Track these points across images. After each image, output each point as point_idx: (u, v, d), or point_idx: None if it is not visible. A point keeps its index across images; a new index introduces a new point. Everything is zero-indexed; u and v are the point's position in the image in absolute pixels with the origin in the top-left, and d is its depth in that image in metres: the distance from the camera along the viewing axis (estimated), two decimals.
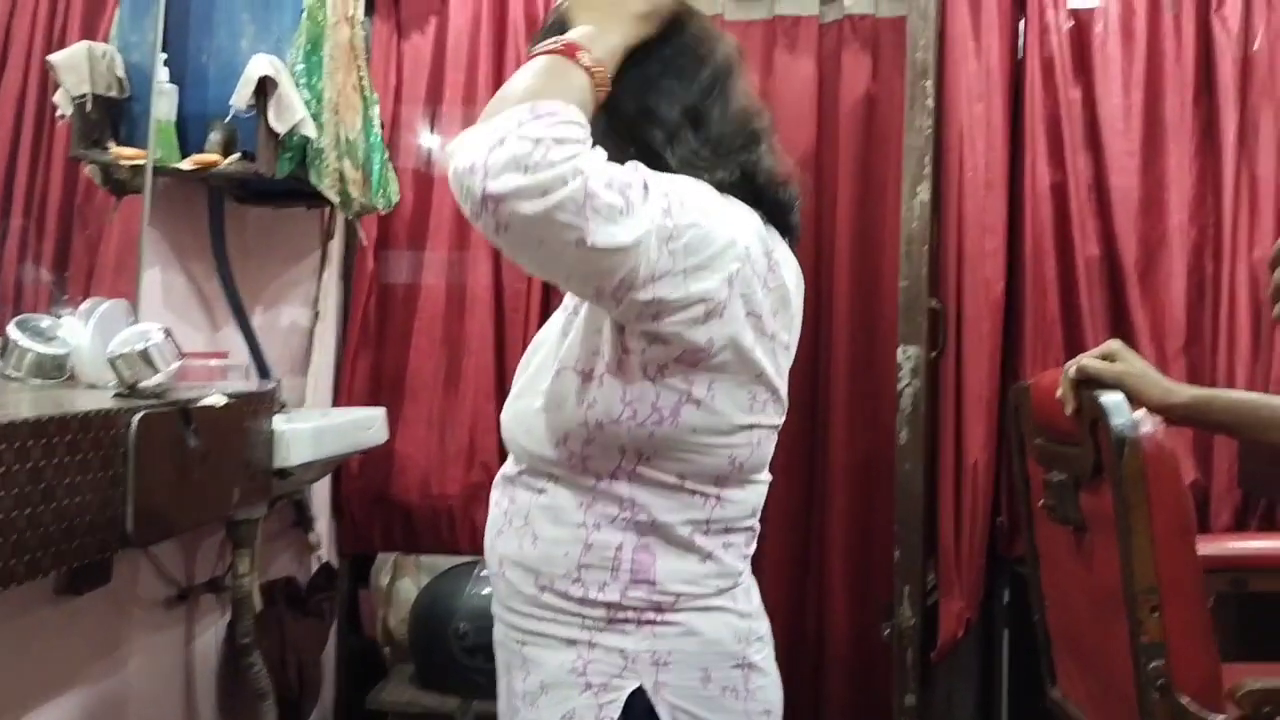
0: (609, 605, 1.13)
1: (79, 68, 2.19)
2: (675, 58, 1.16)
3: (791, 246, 1.22)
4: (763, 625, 1.24)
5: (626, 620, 1.13)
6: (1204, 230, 2.88)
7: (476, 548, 2.99)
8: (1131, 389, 1.53)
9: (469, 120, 3.01)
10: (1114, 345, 1.59)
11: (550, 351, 1.20)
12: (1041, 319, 2.84)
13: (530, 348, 1.28)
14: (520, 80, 1.03)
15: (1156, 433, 1.52)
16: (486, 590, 2.83)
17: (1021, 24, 2.95)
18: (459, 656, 2.80)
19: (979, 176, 2.84)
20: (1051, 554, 1.91)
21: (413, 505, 3.04)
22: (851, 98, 3.11)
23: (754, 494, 1.21)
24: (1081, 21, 2.92)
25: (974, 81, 2.85)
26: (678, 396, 1.09)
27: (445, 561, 3.00)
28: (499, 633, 1.24)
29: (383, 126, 2.88)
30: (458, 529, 3.04)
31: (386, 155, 2.86)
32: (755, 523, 1.23)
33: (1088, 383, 1.57)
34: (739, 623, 1.19)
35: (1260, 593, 1.91)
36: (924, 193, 2.65)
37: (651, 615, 1.13)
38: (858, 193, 3.07)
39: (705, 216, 1.05)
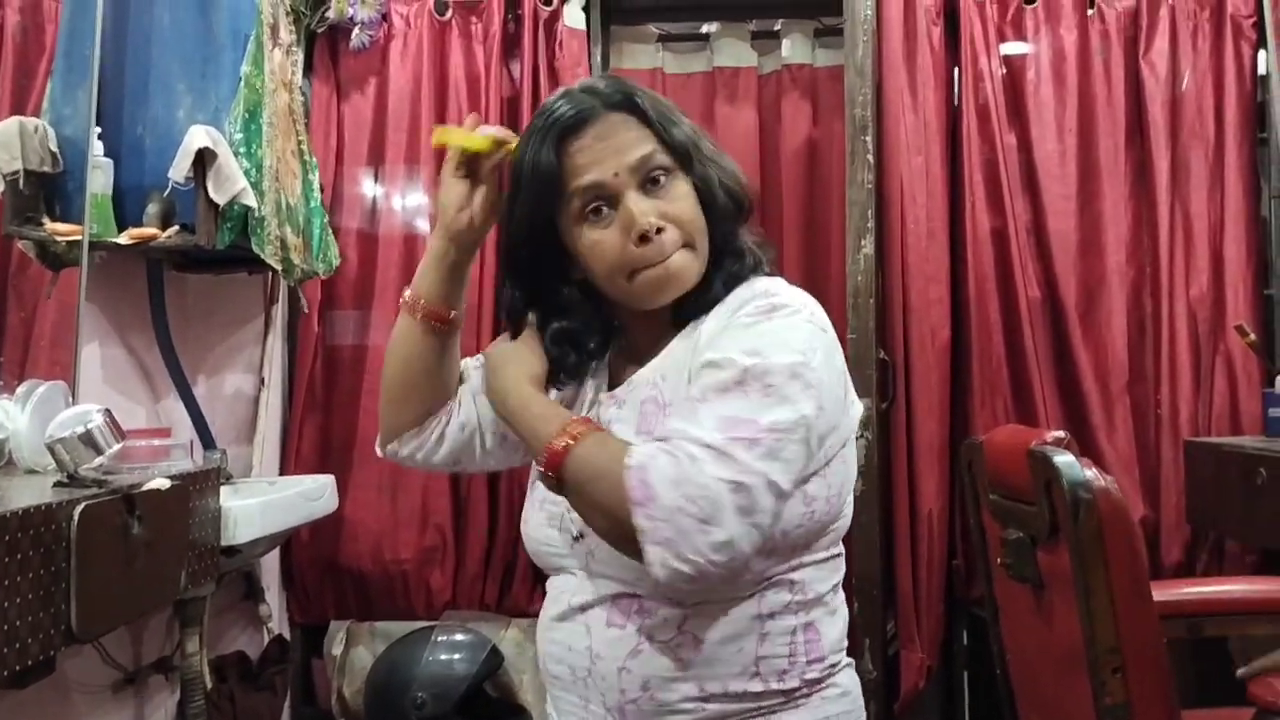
0: (786, 692, 1.10)
1: (10, 144, 2.14)
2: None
3: None
4: None
5: (800, 694, 1.11)
6: (1141, 269, 2.94)
7: (432, 613, 2.96)
8: None
9: (412, 180, 3.05)
10: None
11: None
12: (987, 363, 2.88)
13: None
14: (585, 464, 1.02)
15: (1110, 488, 1.53)
16: (444, 656, 2.79)
17: (956, 71, 3.00)
18: None
19: (921, 227, 2.87)
20: (1011, 609, 1.91)
21: (365, 571, 2.99)
22: (793, 145, 3.15)
23: None
24: (1014, 68, 2.98)
25: (912, 134, 2.89)
26: (841, 479, 1.12)
27: (400, 628, 2.94)
28: None
29: (323, 190, 2.86)
30: (412, 594, 2.99)
31: (326, 219, 2.84)
32: None
33: (1042, 445, 1.58)
34: (856, 675, 1.20)
35: (1214, 638, 1.92)
36: (868, 246, 2.68)
37: (820, 685, 1.13)
38: (803, 243, 3.09)
39: (816, 312, 1.10)
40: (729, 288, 1.15)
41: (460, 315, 1.26)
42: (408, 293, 1.25)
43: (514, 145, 1.16)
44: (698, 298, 1.14)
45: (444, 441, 1.29)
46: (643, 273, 1.11)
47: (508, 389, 1.15)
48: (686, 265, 1.12)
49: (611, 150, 1.11)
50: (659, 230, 1.09)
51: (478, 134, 1.18)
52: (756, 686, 1.08)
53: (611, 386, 1.21)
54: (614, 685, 1.09)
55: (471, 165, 1.19)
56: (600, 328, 1.22)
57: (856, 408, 1.14)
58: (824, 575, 1.13)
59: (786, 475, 0.97)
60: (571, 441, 1.03)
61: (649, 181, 1.11)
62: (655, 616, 1.08)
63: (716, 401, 0.99)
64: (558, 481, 1.04)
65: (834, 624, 1.14)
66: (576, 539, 1.14)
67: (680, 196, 1.12)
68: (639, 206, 1.09)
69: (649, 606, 1.08)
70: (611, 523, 0.98)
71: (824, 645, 1.12)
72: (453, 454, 1.30)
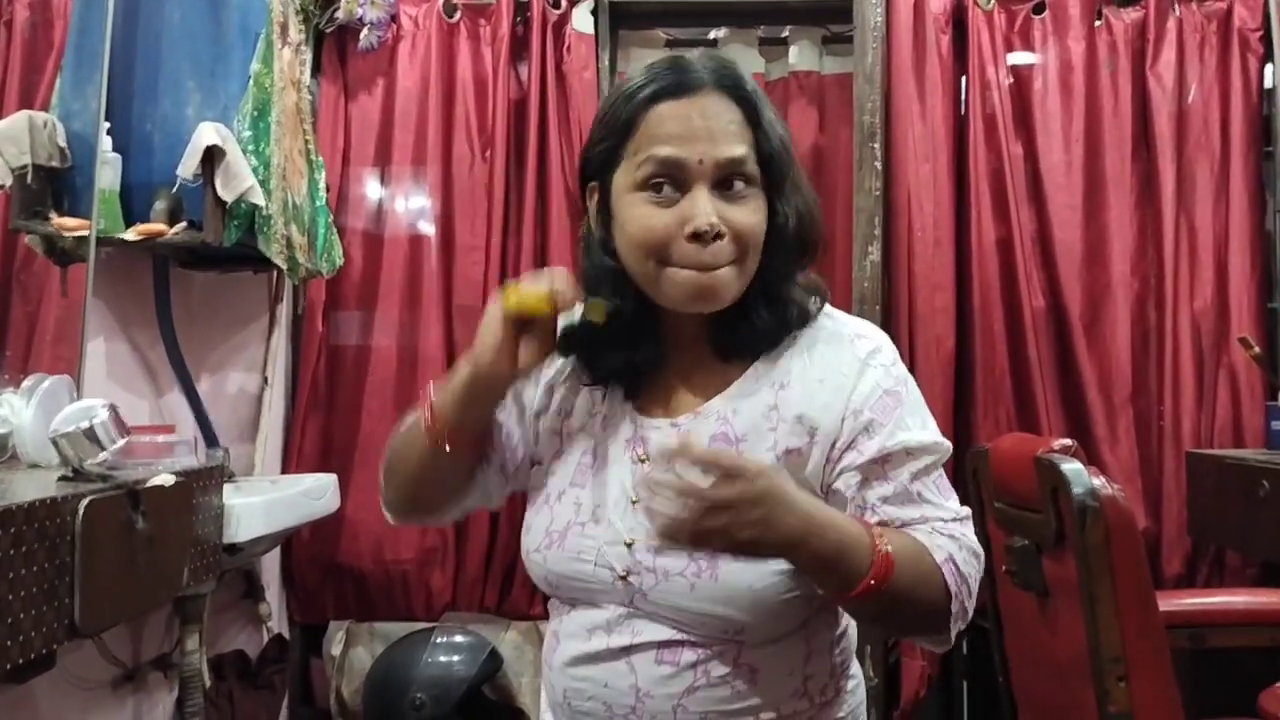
0: (825, 703, 1.10)
1: (19, 138, 2.14)
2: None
3: None
4: None
5: (835, 699, 1.12)
6: (1146, 280, 2.94)
7: (432, 614, 2.96)
8: None
9: (419, 181, 3.05)
10: None
11: None
12: (991, 372, 2.88)
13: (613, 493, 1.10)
14: (908, 568, 1.01)
15: (1117, 496, 1.53)
16: (443, 658, 2.78)
17: (963, 80, 3.00)
18: None
19: (928, 235, 2.87)
20: (1015, 618, 1.91)
21: (365, 571, 2.99)
22: (799, 151, 3.11)
23: None
24: (1021, 78, 2.98)
25: (920, 142, 2.89)
26: None
27: (399, 629, 2.94)
28: None
29: (328, 190, 2.86)
30: (412, 595, 2.98)
31: (331, 219, 2.83)
32: None
33: (1049, 453, 1.58)
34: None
35: (1218, 648, 1.92)
36: (875, 253, 2.68)
37: (846, 683, 1.16)
38: None
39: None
40: (785, 321, 1.09)
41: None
42: (426, 414, 1.09)
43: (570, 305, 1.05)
44: (742, 330, 1.09)
45: (462, 510, 1.23)
46: (679, 270, 1.02)
47: (794, 523, 0.94)
48: (728, 282, 1.03)
49: (706, 134, 1.01)
50: (716, 236, 1.00)
51: (538, 289, 1.03)
52: (803, 705, 1.08)
53: (645, 408, 1.13)
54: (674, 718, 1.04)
55: (526, 321, 1.04)
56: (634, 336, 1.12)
57: None
58: None
59: None
60: (890, 548, 0.98)
61: (725, 184, 1.02)
62: (710, 651, 1.04)
63: (930, 480, 1.07)
64: (880, 590, 0.97)
65: (850, 625, 1.17)
66: (623, 578, 1.05)
67: (752, 210, 1.04)
68: (704, 205, 1.00)
69: (702, 642, 1.04)
70: (927, 617, 1.04)
71: (850, 650, 1.16)
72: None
